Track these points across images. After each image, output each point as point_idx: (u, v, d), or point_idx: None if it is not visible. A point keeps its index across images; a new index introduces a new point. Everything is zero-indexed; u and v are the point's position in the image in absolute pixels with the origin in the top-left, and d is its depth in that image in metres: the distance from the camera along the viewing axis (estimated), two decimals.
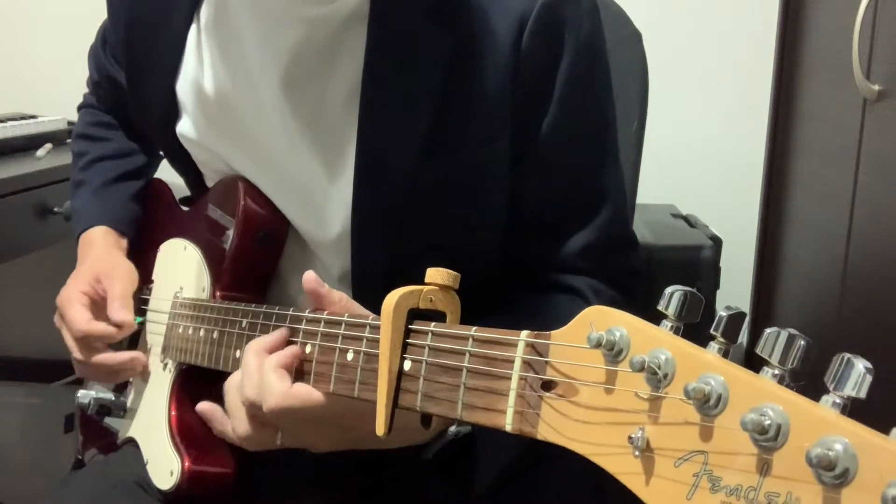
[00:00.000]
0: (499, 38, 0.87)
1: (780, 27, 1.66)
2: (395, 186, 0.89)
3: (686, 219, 1.75)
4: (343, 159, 0.92)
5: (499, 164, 0.90)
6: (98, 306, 1.04)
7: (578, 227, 0.93)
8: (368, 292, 0.92)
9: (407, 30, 0.88)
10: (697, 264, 1.56)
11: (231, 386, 0.83)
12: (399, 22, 0.88)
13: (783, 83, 1.67)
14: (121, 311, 1.01)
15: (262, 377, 0.78)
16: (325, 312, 0.79)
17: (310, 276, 0.80)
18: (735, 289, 1.69)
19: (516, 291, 0.95)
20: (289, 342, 0.81)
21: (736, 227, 1.79)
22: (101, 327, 1.01)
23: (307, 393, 0.76)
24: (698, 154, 1.94)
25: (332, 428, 0.78)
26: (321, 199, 0.94)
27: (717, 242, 1.58)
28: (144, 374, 1.07)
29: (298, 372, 0.79)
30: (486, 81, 0.87)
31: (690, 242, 1.59)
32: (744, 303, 1.84)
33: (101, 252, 1.09)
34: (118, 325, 1.01)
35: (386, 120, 0.89)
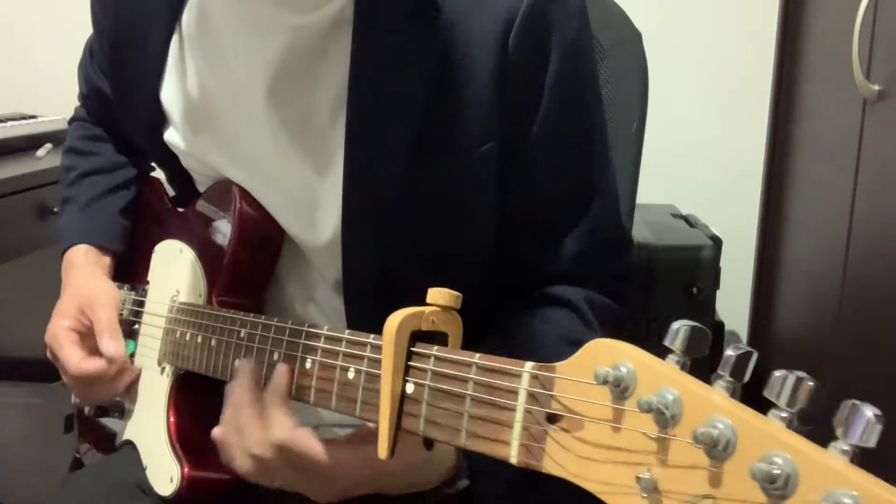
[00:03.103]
0: (485, 40, 0.86)
1: (780, 27, 1.66)
2: (384, 191, 0.89)
3: (686, 219, 1.75)
4: (332, 165, 0.91)
5: (488, 168, 0.90)
6: (87, 338, 1.03)
7: (569, 229, 0.92)
8: (360, 299, 0.92)
9: (392, 34, 0.87)
10: (697, 264, 1.56)
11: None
12: (384, 26, 0.87)
13: (783, 83, 1.66)
14: (111, 343, 1.00)
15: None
16: (326, 328, 0.78)
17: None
18: (735, 289, 1.69)
19: (509, 306, 0.94)
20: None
21: (736, 227, 1.79)
22: (95, 365, 1.00)
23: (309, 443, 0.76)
24: (698, 154, 1.94)
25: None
26: (311, 205, 0.94)
27: (717, 242, 1.59)
28: (142, 378, 1.07)
29: (299, 388, 0.79)
30: (473, 85, 0.87)
31: (690, 242, 1.60)
32: (744, 303, 1.84)
33: (81, 277, 1.08)
34: (110, 358, 1.00)
35: (373, 125, 0.88)
